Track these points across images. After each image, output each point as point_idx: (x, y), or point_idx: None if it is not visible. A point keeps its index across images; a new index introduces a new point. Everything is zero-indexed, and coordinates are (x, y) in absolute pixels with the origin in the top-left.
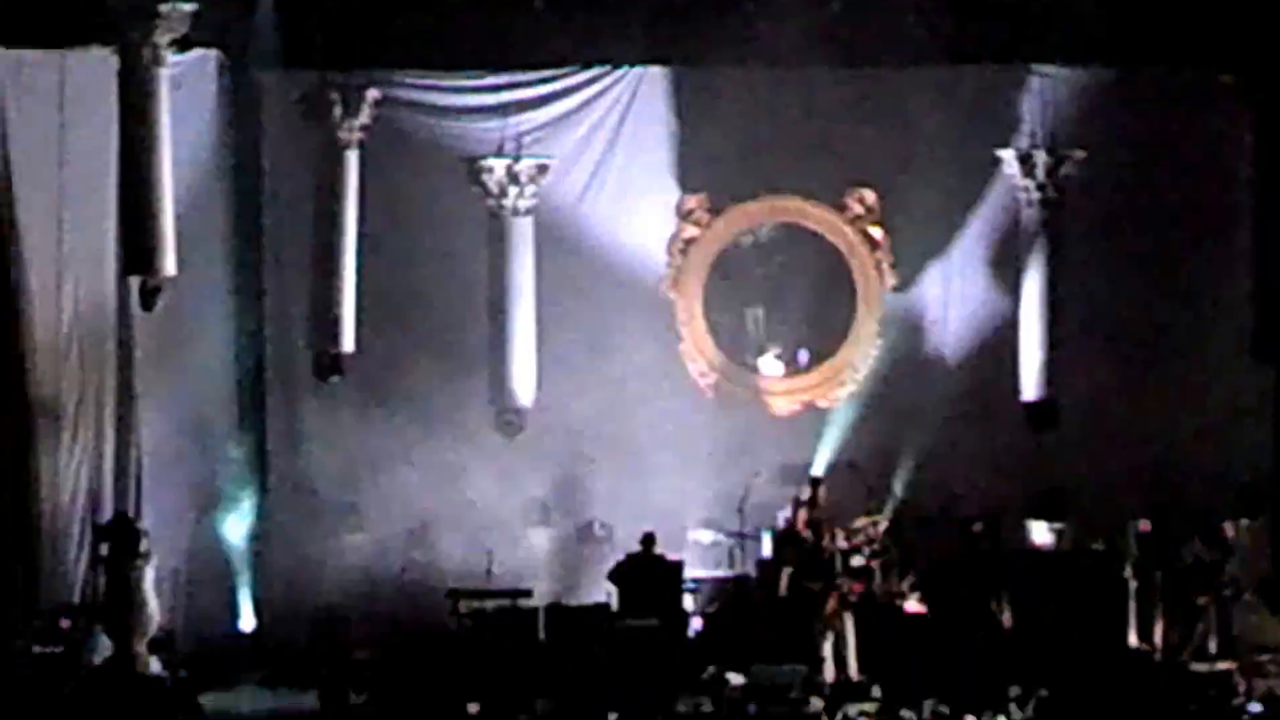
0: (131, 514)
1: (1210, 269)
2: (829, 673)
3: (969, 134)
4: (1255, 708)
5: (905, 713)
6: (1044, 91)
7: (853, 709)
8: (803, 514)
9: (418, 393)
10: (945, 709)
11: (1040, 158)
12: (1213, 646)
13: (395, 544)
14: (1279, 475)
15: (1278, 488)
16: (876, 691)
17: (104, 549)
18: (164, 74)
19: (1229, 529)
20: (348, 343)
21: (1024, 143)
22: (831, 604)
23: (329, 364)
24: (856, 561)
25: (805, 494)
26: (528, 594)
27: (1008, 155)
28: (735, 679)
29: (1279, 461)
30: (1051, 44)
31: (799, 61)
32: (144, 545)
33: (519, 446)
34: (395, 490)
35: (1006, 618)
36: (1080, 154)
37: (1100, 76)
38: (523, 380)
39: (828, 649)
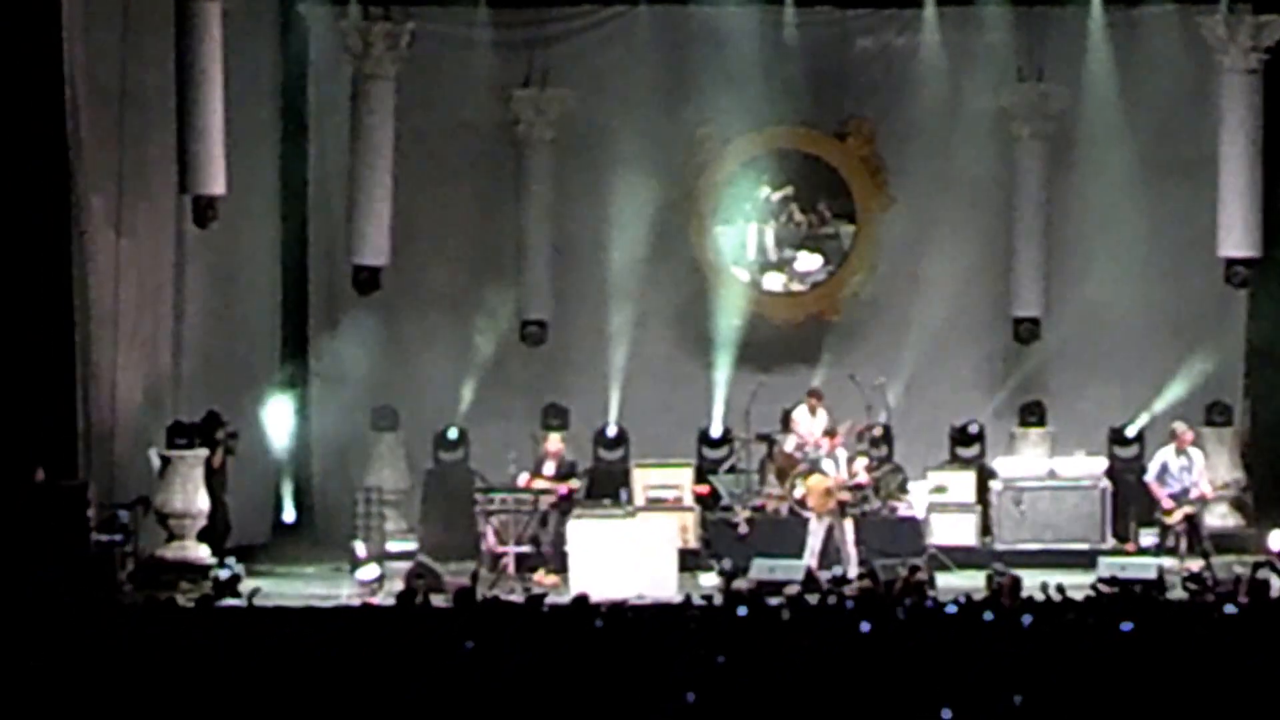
0: (183, 418)
1: (1187, 202)
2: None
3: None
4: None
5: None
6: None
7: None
8: (806, 422)
9: (447, 304)
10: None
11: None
12: (1183, 546)
13: (426, 444)
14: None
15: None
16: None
17: (158, 450)
18: (218, 7)
19: (1188, 434)
20: (384, 257)
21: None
22: (830, 505)
23: (367, 277)
24: (855, 467)
25: (807, 403)
26: (549, 493)
27: (1005, 95)
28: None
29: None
30: None
31: (800, 1)
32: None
33: (541, 356)
34: (427, 394)
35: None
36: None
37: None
38: (544, 295)
39: (815, 544)
